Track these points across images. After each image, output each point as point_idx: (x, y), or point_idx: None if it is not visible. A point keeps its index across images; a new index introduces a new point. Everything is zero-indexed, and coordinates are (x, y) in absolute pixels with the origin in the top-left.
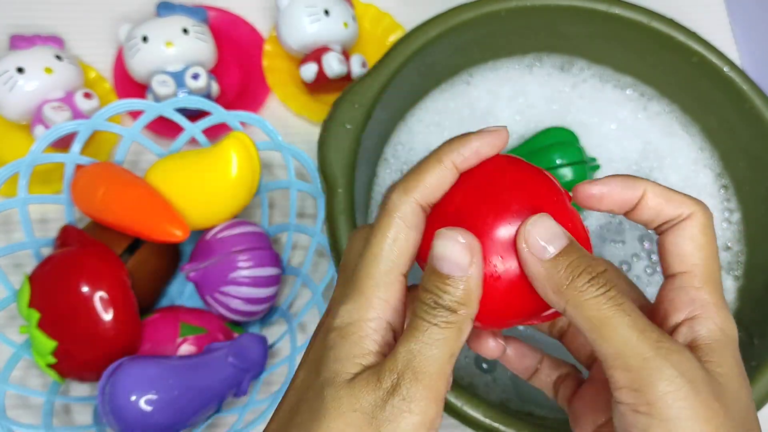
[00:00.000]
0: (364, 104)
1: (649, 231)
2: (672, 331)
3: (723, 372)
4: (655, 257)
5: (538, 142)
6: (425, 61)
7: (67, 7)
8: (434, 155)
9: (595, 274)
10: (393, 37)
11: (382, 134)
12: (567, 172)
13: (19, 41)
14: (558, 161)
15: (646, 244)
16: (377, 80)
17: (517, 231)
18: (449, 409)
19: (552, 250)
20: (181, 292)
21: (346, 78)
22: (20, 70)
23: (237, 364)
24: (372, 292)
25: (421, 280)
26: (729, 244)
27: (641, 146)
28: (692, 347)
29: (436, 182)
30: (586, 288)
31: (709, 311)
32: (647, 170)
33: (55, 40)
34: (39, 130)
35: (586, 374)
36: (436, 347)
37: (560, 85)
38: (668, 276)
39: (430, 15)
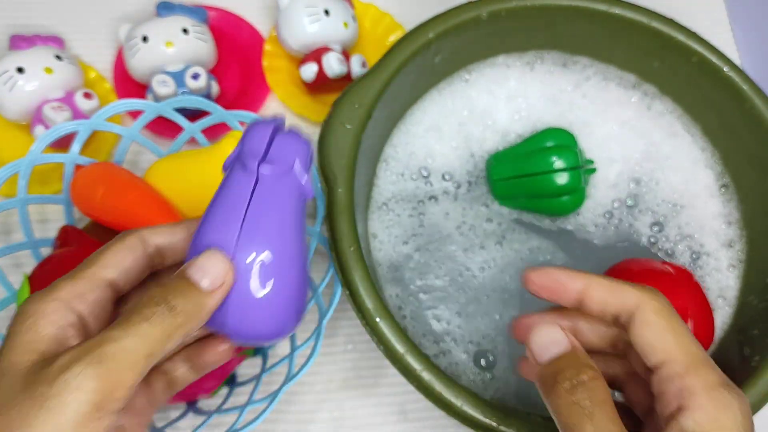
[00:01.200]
0: (364, 104)
1: (660, 218)
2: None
3: None
4: (665, 243)
5: (536, 144)
6: (425, 61)
7: (67, 7)
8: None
9: (576, 383)
10: (393, 37)
11: (382, 134)
12: (562, 178)
13: (19, 41)
14: (554, 165)
15: (655, 228)
16: (377, 80)
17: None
18: (449, 408)
19: (552, 353)
20: None
21: (346, 78)
22: (20, 70)
23: (275, 169)
24: (62, 281)
25: (166, 280)
26: (730, 244)
27: (644, 146)
28: None
29: (163, 228)
30: (563, 394)
31: (697, 400)
32: (649, 170)
33: (55, 40)
34: (39, 130)
35: None
36: (139, 340)
37: (562, 84)
38: (653, 369)
39: (430, 15)
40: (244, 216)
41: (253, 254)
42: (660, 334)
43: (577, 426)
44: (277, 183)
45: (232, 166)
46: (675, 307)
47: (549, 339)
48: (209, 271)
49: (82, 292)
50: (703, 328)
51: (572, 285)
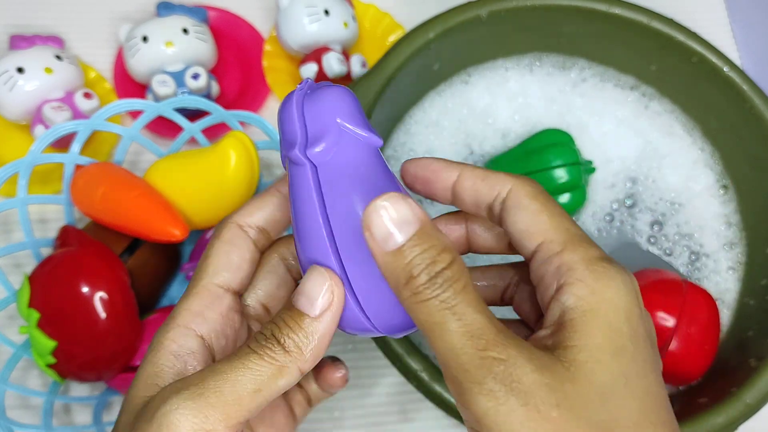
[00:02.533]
0: (364, 104)
1: (659, 217)
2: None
3: (583, 359)
4: (664, 242)
5: (534, 144)
6: (425, 61)
7: (67, 7)
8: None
9: (433, 274)
10: (393, 37)
11: (381, 134)
12: (562, 174)
13: (19, 41)
14: (553, 162)
15: (656, 228)
16: (377, 80)
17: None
18: (449, 408)
19: (399, 239)
20: (181, 291)
21: (346, 78)
22: (20, 70)
23: (325, 147)
24: (178, 305)
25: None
26: (731, 245)
27: (641, 146)
28: (559, 326)
29: (254, 205)
30: (421, 290)
31: (575, 273)
32: (646, 170)
33: (55, 40)
34: (39, 130)
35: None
36: (245, 375)
37: (560, 85)
38: (531, 258)
39: (430, 15)
40: (325, 216)
41: (356, 246)
42: (534, 216)
43: (440, 325)
44: (336, 157)
45: (285, 161)
46: (690, 319)
47: (392, 216)
48: (313, 296)
49: (199, 311)
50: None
51: (446, 174)
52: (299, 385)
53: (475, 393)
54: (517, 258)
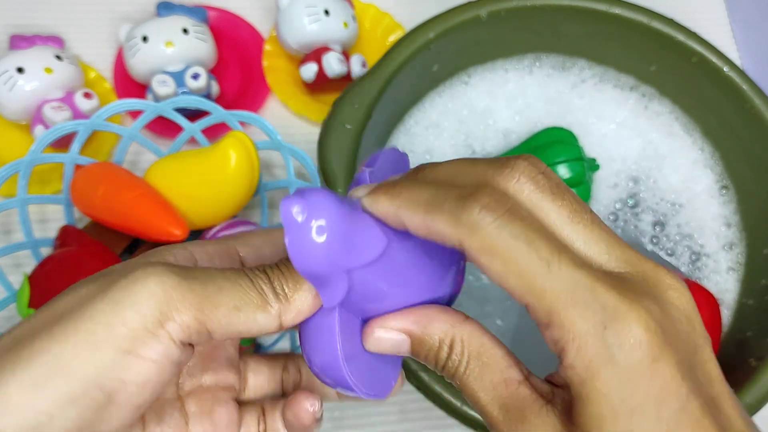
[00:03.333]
0: (364, 104)
1: (660, 217)
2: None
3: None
4: (666, 243)
5: (536, 141)
6: (425, 62)
7: (67, 7)
8: None
9: (441, 365)
10: (393, 37)
11: (381, 135)
12: (564, 171)
13: (19, 41)
14: (556, 159)
15: (658, 228)
16: (377, 80)
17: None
18: (449, 408)
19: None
20: None
21: (346, 78)
22: (20, 70)
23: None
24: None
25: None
26: (731, 245)
27: (641, 146)
28: (569, 398)
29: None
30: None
31: (569, 351)
32: (647, 170)
33: (55, 40)
34: (39, 130)
35: None
36: (232, 287)
37: (560, 85)
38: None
39: (430, 15)
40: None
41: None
42: (500, 278)
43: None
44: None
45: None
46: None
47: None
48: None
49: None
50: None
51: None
52: (262, 409)
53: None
54: None
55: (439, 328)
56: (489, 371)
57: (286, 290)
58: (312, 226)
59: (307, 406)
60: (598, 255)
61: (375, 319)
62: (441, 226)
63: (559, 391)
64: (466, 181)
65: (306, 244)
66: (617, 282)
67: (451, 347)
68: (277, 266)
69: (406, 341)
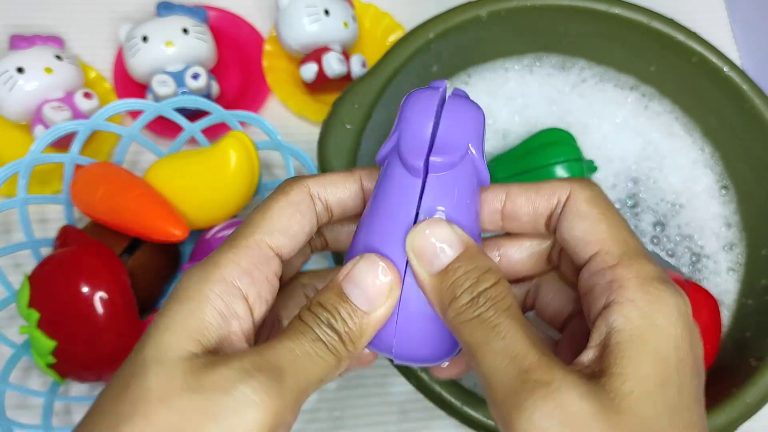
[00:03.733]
0: (364, 104)
1: (660, 218)
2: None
3: (629, 389)
4: (666, 243)
5: (535, 142)
6: (425, 62)
7: (67, 7)
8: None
9: (476, 293)
10: (393, 37)
11: (381, 134)
12: (563, 172)
13: (19, 41)
14: (554, 160)
15: (658, 228)
16: (377, 80)
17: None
18: (449, 408)
19: (444, 260)
20: None
21: (346, 78)
22: (20, 70)
23: (445, 162)
24: (223, 254)
25: (321, 290)
26: (731, 246)
27: (641, 146)
28: (604, 349)
29: (333, 180)
30: (464, 310)
31: (627, 292)
32: (647, 170)
33: (55, 40)
34: (39, 130)
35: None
36: (315, 363)
37: (560, 85)
38: (582, 266)
39: (430, 15)
40: (415, 220)
41: None
42: (592, 224)
43: (482, 344)
44: (449, 175)
45: (388, 158)
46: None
47: (438, 239)
48: (366, 288)
49: (248, 269)
50: (710, 345)
51: (491, 197)
52: None
53: (515, 419)
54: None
55: (491, 257)
56: (520, 324)
57: (353, 338)
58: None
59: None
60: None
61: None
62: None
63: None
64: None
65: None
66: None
67: (498, 281)
68: (336, 310)
69: (457, 244)
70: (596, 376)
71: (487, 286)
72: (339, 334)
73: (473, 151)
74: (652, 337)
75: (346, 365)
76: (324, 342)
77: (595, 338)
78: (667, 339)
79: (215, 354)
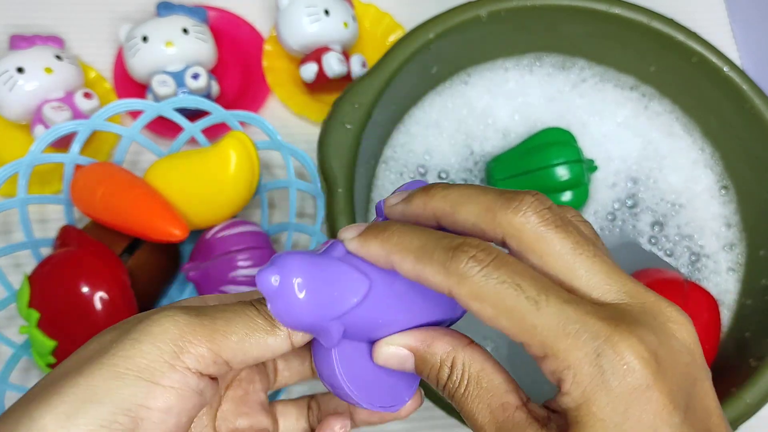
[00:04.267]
0: (364, 104)
1: (660, 218)
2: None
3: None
4: (665, 243)
5: (534, 142)
6: (425, 62)
7: (67, 7)
8: None
9: (444, 380)
10: (393, 37)
11: (381, 135)
12: (563, 172)
13: (19, 41)
14: (555, 160)
15: (656, 228)
16: (377, 80)
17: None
18: (449, 408)
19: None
20: (181, 291)
21: (346, 78)
22: (20, 70)
23: None
24: None
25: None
26: (731, 246)
27: (641, 146)
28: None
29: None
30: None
31: (566, 380)
32: (647, 170)
33: (55, 40)
34: (39, 130)
35: None
36: (240, 317)
37: (560, 85)
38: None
39: (430, 15)
40: None
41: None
42: (495, 315)
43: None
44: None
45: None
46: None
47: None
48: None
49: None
50: (709, 345)
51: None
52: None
53: None
54: None
55: (442, 348)
56: (487, 395)
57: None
58: (290, 286)
59: (337, 428)
60: (598, 285)
61: (384, 337)
62: (430, 275)
63: (555, 417)
64: (471, 210)
65: (289, 305)
66: (612, 313)
67: (452, 368)
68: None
69: (410, 357)
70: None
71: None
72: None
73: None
74: (603, 416)
75: (285, 340)
76: (255, 307)
77: (555, 407)
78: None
79: None
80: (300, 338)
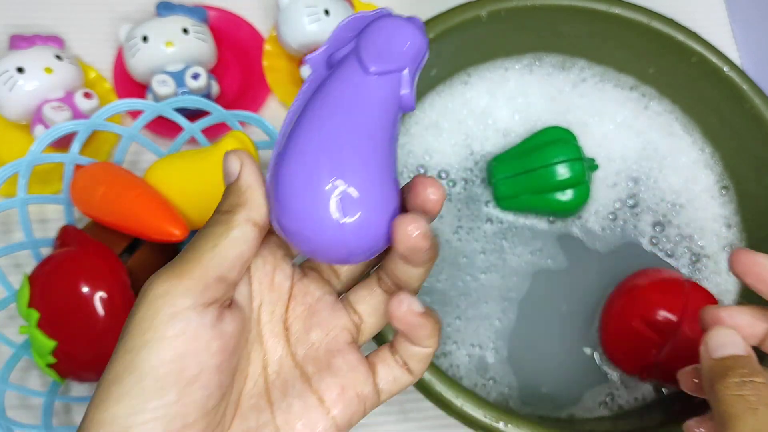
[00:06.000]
0: None
1: (660, 218)
2: None
3: None
4: (666, 243)
5: (535, 141)
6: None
7: (67, 7)
8: None
9: (746, 380)
10: None
11: None
12: (564, 171)
13: (19, 41)
14: (555, 159)
15: (657, 228)
16: None
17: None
18: (449, 409)
19: (722, 353)
20: None
21: None
22: (20, 70)
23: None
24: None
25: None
26: (731, 246)
27: (641, 146)
28: None
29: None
30: (731, 386)
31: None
32: (648, 170)
33: (55, 40)
34: (39, 130)
35: None
36: (201, 237)
37: (560, 85)
38: None
39: (430, 15)
40: (305, 108)
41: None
42: None
43: (739, 416)
44: (375, 86)
45: (321, 62)
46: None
47: (727, 340)
48: (229, 171)
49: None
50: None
51: (762, 325)
52: (392, 346)
53: None
54: None
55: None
56: None
57: (232, 202)
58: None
59: (429, 192)
60: None
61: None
62: None
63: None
64: None
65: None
66: None
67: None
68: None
69: (743, 348)
70: None
71: (757, 381)
72: (219, 209)
73: (406, 74)
74: None
75: (246, 223)
76: (209, 222)
77: None
78: None
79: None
80: (254, 211)
